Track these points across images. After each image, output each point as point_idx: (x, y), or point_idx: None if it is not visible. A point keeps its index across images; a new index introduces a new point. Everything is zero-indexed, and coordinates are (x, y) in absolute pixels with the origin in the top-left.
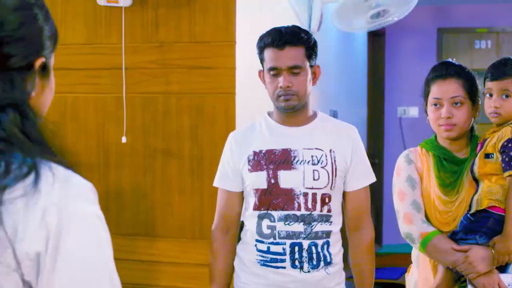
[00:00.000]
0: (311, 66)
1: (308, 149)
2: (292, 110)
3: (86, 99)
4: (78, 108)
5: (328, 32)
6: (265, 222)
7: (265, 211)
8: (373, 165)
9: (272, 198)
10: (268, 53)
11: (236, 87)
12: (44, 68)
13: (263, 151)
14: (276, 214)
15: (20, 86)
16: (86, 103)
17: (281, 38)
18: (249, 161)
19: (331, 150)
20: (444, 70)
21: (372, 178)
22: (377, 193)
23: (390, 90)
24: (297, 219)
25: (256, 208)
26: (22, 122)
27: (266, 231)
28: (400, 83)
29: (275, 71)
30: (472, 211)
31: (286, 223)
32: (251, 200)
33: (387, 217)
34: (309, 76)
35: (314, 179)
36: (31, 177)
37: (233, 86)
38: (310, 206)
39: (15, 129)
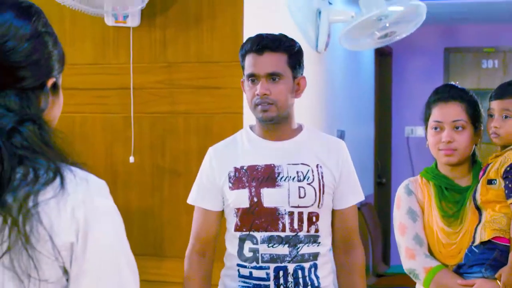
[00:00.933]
0: (294, 77)
1: (293, 164)
2: (272, 122)
3: (94, 119)
4: (86, 128)
5: (335, 52)
6: (247, 244)
7: (247, 232)
8: (380, 184)
9: (255, 218)
10: (248, 59)
11: (243, 107)
12: (54, 86)
13: (245, 167)
14: (258, 235)
15: (35, 103)
16: (94, 123)
17: (260, 42)
18: (229, 178)
19: (318, 165)
20: (446, 92)
21: (361, 196)
22: (384, 212)
23: (397, 109)
24: (281, 240)
25: (238, 229)
26: (40, 133)
27: (248, 254)
28: (408, 103)
29: (253, 77)
30: (476, 242)
31: (270, 245)
32: (232, 220)
33: (394, 237)
34: (291, 86)
35: (300, 197)
36: (57, 180)
37: (240, 106)
38: (296, 226)
39: (36, 139)
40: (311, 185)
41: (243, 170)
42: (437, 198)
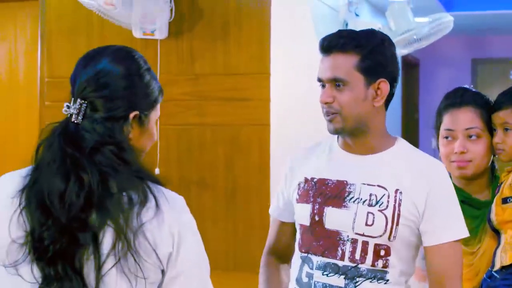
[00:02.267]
0: (369, 82)
1: (368, 185)
2: (341, 135)
3: None
4: None
5: None
6: (305, 268)
7: (306, 254)
8: None
9: (313, 240)
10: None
11: (270, 118)
12: (140, 119)
13: (315, 180)
14: (315, 259)
15: (119, 131)
16: None
17: (327, 40)
18: (299, 188)
19: (397, 191)
20: (458, 97)
21: (460, 233)
22: None
23: (425, 121)
24: (337, 270)
25: (299, 248)
26: (120, 154)
27: (305, 279)
28: (435, 114)
29: (320, 82)
30: (497, 267)
31: (325, 273)
32: (297, 236)
33: None
34: (361, 93)
35: (366, 224)
36: (153, 201)
37: (267, 117)
38: (357, 256)
39: (116, 158)
40: (382, 213)
41: (312, 183)
42: None
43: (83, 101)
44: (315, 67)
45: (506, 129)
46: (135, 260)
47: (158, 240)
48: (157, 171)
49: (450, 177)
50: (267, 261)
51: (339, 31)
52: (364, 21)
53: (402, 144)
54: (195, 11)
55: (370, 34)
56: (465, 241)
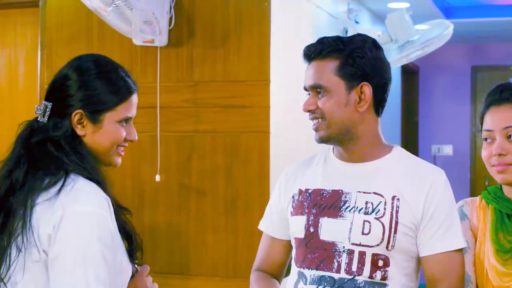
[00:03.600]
0: (350, 86)
1: (363, 192)
2: (329, 144)
3: None
4: None
5: None
6: (300, 284)
7: (300, 269)
8: None
9: (307, 252)
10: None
11: (270, 125)
12: (92, 116)
13: (310, 191)
14: (309, 274)
15: (60, 128)
16: None
17: (308, 49)
18: (293, 201)
19: (394, 197)
20: (497, 94)
21: (457, 243)
22: None
23: (424, 128)
24: (333, 283)
25: (295, 263)
26: (56, 148)
27: None
28: (434, 121)
29: (307, 92)
30: None
31: (319, 287)
32: (293, 252)
33: None
34: (341, 98)
35: (363, 233)
36: (57, 187)
37: (267, 125)
38: (354, 268)
39: (53, 153)
40: (379, 220)
41: (307, 194)
42: (493, 226)
43: (46, 102)
44: None
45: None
46: (22, 235)
47: (41, 221)
48: (157, 178)
49: (501, 188)
50: (258, 276)
51: (321, 38)
52: (364, 29)
53: (399, 152)
54: (195, 19)
55: (351, 37)
56: (503, 260)
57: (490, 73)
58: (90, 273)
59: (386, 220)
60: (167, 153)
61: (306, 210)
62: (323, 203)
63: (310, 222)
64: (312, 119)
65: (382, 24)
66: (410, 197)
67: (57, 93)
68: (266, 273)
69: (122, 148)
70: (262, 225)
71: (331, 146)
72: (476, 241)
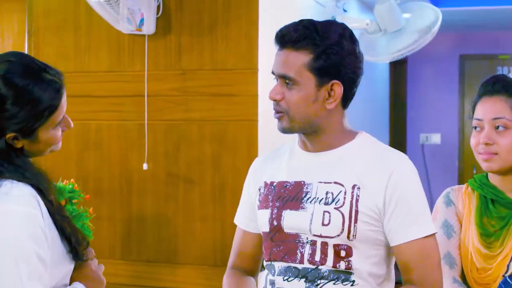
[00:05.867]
0: (321, 83)
1: (324, 183)
2: (290, 133)
3: (109, 126)
4: (101, 135)
5: None
6: (269, 276)
7: (269, 262)
8: None
9: (273, 246)
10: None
11: (258, 114)
12: (26, 134)
13: (275, 183)
14: (277, 265)
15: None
16: (109, 130)
17: (281, 33)
18: (260, 194)
19: (354, 186)
20: (490, 85)
21: (427, 229)
22: None
23: (412, 117)
24: (297, 273)
25: (264, 256)
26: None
27: (268, 286)
28: (423, 110)
29: (274, 76)
30: (510, 272)
31: (285, 278)
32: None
33: None
34: (311, 94)
35: (323, 224)
36: None
37: (255, 113)
38: (317, 258)
39: None
40: (338, 210)
41: (272, 187)
42: (478, 211)
43: None
44: None
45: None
46: None
47: None
48: (145, 166)
49: (486, 176)
50: (229, 275)
51: (296, 22)
52: (352, 17)
53: (362, 138)
54: (182, 7)
55: (328, 29)
56: (486, 243)
57: (478, 62)
58: (22, 271)
59: (345, 209)
60: (155, 142)
61: (271, 204)
62: (286, 196)
63: (273, 216)
64: (275, 109)
65: (370, 13)
66: (371, 185)
67: None
68: (240, 268)
69: (64, 131)
70: (236, 219)
71: (297, 136)
72: (461, 226)
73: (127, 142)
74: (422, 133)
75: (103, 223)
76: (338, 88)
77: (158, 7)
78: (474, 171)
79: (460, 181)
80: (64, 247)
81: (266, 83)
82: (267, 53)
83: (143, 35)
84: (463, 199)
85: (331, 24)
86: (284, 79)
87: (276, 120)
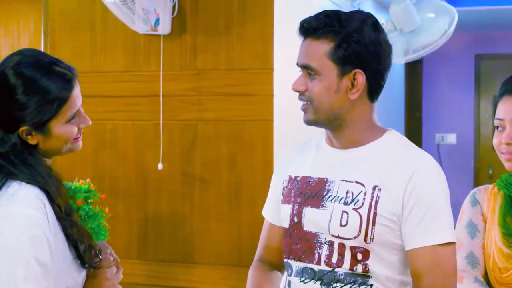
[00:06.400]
0: (343, 72)
1: (346, 181)
2: (316, 125)
3: (125, 126)
4: (117, 135)
5: None
6: (286, 276)
7: (287, 259)
8: None
9: (292, 243)
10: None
11: (274, 114)
12: (37, 129)
13: (298, 178)
14: (294, 265)
15: (8, 142)
16: (125, 130)
17: (303, 24)
18: (283, 188)
19: (375, 187)
20: (510, 84)
21: (442, 237)
22: None
23: (428, 116)
24: (313, 275)
25: (283, 253)
26: (9, 158)
27: (286, 287)
28: (438, 110)
29: (298, 68)
30: None
31: (302, 279)
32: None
33: None
34: (332, 84)
35: (341, 225)
36: None
37: (271, 113)
38: (334, 260)
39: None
40: (357, 211)
41: (296, 182)
42: (501, 211)
43: None
44: None
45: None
46: None
47: None
48: (160, 166)
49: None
50: (256, 266)
51: (318, 13)
52: None
53: (390, 136)
54: (198, 7)
55: (350, 17)
56: (509, 243)
57: (494, 61)
58: (18, 274)
59: (364, 211)
60: (170, 142)
61: (292, 199)
62: (308, 192)
63: (294, 212)
64: (300, 100)
65: (385, 12)
66: (391, 187)
67: (7, 103)
68: (267, 261)
69: (79, 134)
70: (264, 210)
71: (324, 131)
72: (486, 226)
73: (142, 142)
74: (438, 133)
75: (119, 223)
76: (361, 78)
77: (174, 7)
78: (490, 171)
79: (476, 181)
80: (71, 253)
81: (281, 82)
82: (283, 53)
83: (159, 35)
84: (488, 198)
85: (354, 13)
86: (306, 69)
87: (292, 119)
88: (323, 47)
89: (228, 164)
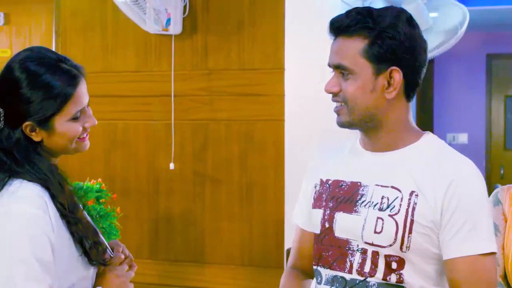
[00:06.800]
0: (378, 71)
1: (381, 186)
2: (350, 128)
3: (136, 126)
4: (128, 134)
5: None
6: (316, 284)
7: (316, 266)
8: None
9: (323, 249)
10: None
11: (285, 114)
12: (41, 125)
13: (330, 181)
14: (324, 273)
15: (12, 137)
16: (136, 130)
17: (334, 22)
18: (315, 192)
19: (412, 193)
20: None
21: (483, 247)
22: None
23: (439, 116)
24: (344, 284)
25: (313, 259)
26: (12, 154)
27: None
28: (449, 109)
29: (330, 69)
30: None
31: None
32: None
33: None
34: (367, 83)
35: (375, 232)
36: None
37: (282, 113)
38: (366, 269)
39: (3, 157)
40: (393, 218)
41: (327, 185)
42: None
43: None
44: None
45: None
46: None
47: None
48: (171, 166)
49: None
50: (288, 273)
51: (349, 10)
52: None
53: (428, 139)
54: (209, 7)
55: (382, 13)
56: None
57: (505, 61)
58: (18, 272)
59: (400, 218)
60: (182, 141)
61: (324, 203)
62: (340, 196)
63: (326, 217)
64: (334, 101)
65: None
66: (429, 193)
67: (5, 101)
68: (299, 268)
69: (85, 134)
70: (294, 216)
71: (358, 133)
72: (506, 225)
73: (154, 142)
74: (449, 132)
75: (130, 222)
76: (398, 75)
77: (185, 7)
78: (502, 171)
79: (487, 181)
80: (77, 250)
81: (292, 82)
82: (294, 53)
83: (170, 35)
84: (510, 198)
85: (386, 9)
86: (339, 69)
87: (303, 119)
88: (356, 45)
89: (239, 164)
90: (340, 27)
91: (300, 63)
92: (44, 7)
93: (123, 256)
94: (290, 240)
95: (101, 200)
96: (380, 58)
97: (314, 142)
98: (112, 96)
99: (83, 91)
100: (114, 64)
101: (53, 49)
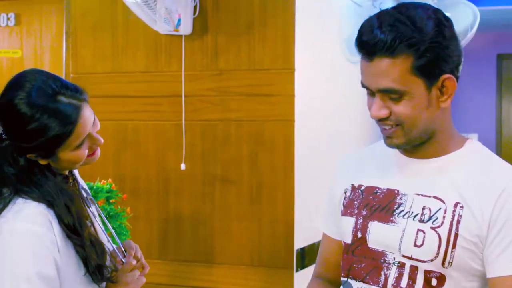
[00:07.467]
0: (431, 83)
1: (422, 195)
2: (402, 148)
3: (146, 126)
4: (138, 135)
5: None
6: None
7: (346, 279)
8: None
9: (354, 261)
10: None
11: (295, 114)
12: (45, 157)
13: (363, 187)
14: (355, 286)
15: (18, 162)
16: (146, 130)
17: (366, 41)
18: (344, 198)
19: (457, 204)
20: None
21: None
22: None
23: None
24: None
25: (341, 270)
26: (17, 175)
27: None
28: (460, 110)
29: (367, 89)
30: None
31: None
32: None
33: None
34: (422, 99)
35: (415, 245)
36: (3, 209)
37: (292, 113)
38: (403, 285)
39: (11, 175)
40: (435, 231)
41: (359, 191)
42: None
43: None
44: (340, 62)
45: None
46: None
47: None
48: (183, 166)
49: None
50: (313, 283)
51: (377, 23)
52: None
53: (473, 146)
54: (219, 7)
55: (420, 20)
56: None
57: None
58: None
59: (443, 231)
60: (192, 142)
61: (356, 211)
62: (375, 204)
63: (358, 226)
64: (383, 124)
65: None
66: (475, 205)
67: (11, 133)
68: (325, 277)
69: (94, 148)
70: (320, 223)
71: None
72: None
73: (164, 142)
74: (459, 133)
75: (140, 222)
76: (450, 82)
77: (195, 7)
78: None
79: None
80: (83, 268)
81: (303, 83)
82: (304, 53)
83: (180, 36)
84: None
85: (420, 14)
86: (388, 93)
87: (313, 120)
88: (403, 63)
89: (249, 164)
90: (379, 47)
91: (311, 63)
92: (54, 7)
93: (134, 262)
94: (299, 241)
95: (111, 201)
96: (431, 70)
97: (324, 142)
98: (122, 96)
99: (85, 120)
100: (125, 65)
101: (64, 50)
